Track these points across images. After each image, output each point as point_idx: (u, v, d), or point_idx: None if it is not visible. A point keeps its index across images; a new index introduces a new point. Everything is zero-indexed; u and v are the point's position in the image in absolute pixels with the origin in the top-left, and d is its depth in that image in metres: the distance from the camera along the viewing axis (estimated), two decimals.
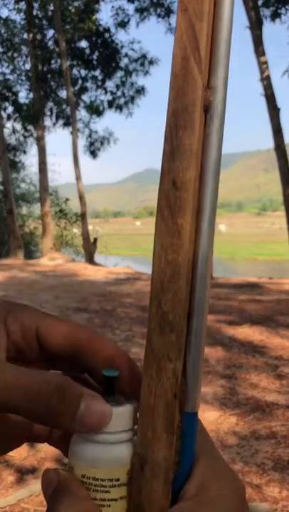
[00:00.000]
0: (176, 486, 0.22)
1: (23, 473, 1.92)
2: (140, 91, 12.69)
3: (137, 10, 11.71)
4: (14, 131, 13.73)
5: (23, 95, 13.76)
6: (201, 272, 0.21)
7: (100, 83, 12.79)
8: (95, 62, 12.45)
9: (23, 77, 13.38)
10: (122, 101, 12.82)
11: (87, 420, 0.20)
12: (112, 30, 12.14)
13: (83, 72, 12.81)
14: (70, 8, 11.64)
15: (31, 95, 12.62)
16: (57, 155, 16.56)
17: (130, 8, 15.80)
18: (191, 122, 0.20)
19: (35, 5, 12.10)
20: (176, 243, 0.21)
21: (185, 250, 0.21)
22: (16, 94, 12.91)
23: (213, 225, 0.21)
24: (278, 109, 8.49)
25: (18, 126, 13.57)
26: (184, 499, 0.21)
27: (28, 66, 12.93)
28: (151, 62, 12.43)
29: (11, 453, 1.94)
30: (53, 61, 12.43)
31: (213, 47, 0.21)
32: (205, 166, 0.21)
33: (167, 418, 0.21)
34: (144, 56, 12.35)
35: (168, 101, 0.21)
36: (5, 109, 12.91)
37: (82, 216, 11.85)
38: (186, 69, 0.20)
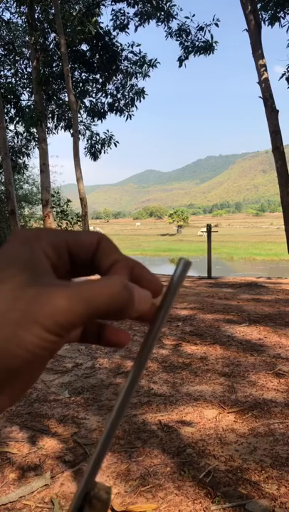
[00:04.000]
0: None
1: (24, 471, 1.93)
2: (140, 93, 12.71)
3: (136, 14, 11.74)
4: (17, 133, 13.75)
5: (25, 98, 13.77)
6: None
7: (100, 86, 12.82)
8: (95, 65, 12.49)
9: (25, 80, 13.43)
10: (122, 103, 12.84)
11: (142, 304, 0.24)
12: (112, 33, 12.18)
13: (84, 75, 12.85)
14: (72, 11, 11.69)
15: (33, 98, 12.65)
16: (60, 156, 16.64)
17: (130, 12, 15.84)
18: None
19: (37, 8, 12.14)
20: None
21: None
22: (18, 97, 12.93)
23: None
24: (277, 111, 8.50)
25: (21, 128, 13.60)
26: None
27: (29, 69, 12.98)
28: (150, 65, 12.45)
29: (12, 450, 1.98)
30: (54, 64, 12.47)
31: None
32: None
33: None
34: (143, 58, 12.37)
35: None
36: (7, 112, 12.94)
37: (83, 217, 11.89)
38: None
